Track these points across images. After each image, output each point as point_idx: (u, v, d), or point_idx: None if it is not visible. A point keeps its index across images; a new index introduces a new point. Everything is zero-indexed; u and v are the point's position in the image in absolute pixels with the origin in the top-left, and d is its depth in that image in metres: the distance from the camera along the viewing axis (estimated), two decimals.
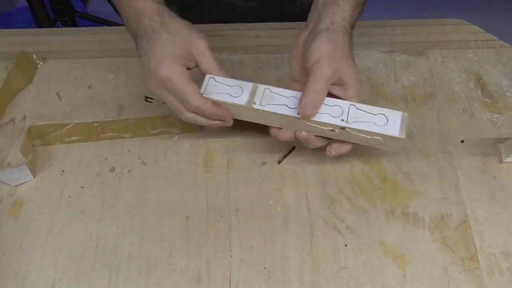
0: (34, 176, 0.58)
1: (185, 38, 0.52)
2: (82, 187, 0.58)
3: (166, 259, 0.53)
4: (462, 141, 0.62)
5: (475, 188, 0.58)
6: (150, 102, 0.65)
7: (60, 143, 0.61)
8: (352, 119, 0.50)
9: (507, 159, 0.60)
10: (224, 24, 0.74)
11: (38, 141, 0.61)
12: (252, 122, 0.55)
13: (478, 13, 1.86)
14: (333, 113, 0.50)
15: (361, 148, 0.57)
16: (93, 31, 0.74)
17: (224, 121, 0.55)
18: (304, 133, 0.53)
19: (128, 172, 0.59)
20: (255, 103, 0.52)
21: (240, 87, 0.53)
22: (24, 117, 0.64)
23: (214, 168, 0.60)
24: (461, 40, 0.73)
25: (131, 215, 0.56)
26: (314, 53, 0.51)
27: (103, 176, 0.59)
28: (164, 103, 0.55)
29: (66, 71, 0.68)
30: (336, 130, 0.51)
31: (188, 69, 0.53)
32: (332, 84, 0.51)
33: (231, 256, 0.53)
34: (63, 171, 0.59)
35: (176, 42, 0.51)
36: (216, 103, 0.53)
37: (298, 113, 0.50)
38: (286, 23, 0.74)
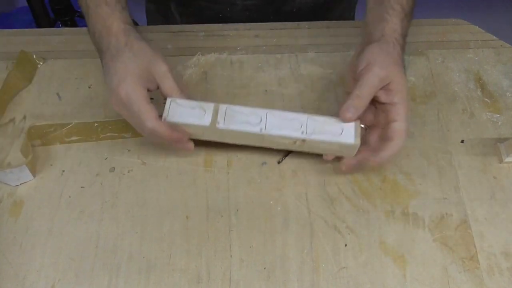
0: (34, 176, 0.58)
1: (147, 59, 0.52)
2: (82, 187, 0.58)
3: (166, 259, 0.53)
4: (462, 141, 0.62)
5: (475, 188, 0.58)
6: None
7: (60, 143, 0.61)
8: (311, 130, 0.53)
9: (507, 159, 0.60)
10: (224, 24, 0.74)
11: (38, 141, 0.61)
12: None
13: (478, 13, 1.86)
14: (293, 126, 0.54)
15: None
16: None
17: (182, 144, 0.56)
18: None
19: (128, 172, 0.59)
20: (218, 123, 0.53)
21: (202, 108, 0.54)
22: (24, 117, 0.64)
23: (214, 168, 0.60)
24: (461, 40, 0.73)
25: (131, 215, 0.56)
26: (364, 59, 0.53)
27: (103, 176, 0.59)
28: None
29: (66, 71, 0.68)
30: (296, 142, 0.54)
31: (149, 90, 0.53)
32: (381, 89, 0.53)
33: (231, 256, 0.53)
34: (63, 171, 0.59)
35: (138, 62, 0.52)
36: (174, 127, 0.53)
37: (260, 130, 0.54)
38: (286, 23, 0.74)
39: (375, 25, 0.56)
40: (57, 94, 0.66)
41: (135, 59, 0.52)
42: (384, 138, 0.53)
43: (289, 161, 0.60)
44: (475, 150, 0.61)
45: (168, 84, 0.54)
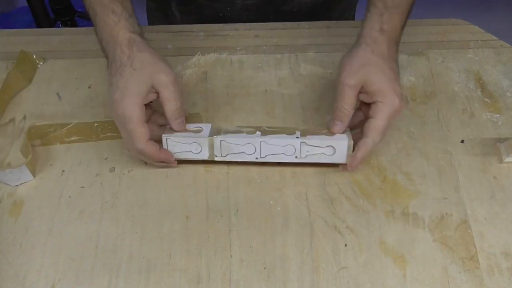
0: (34, 176, 0.58)
1: (148, 74, 0.53)
2: (82, 187, 0.58)
3: (166, 259, 0.53)
4: (462, 141, 0.62)
5: (475, 188, 0.58)
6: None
7: (60, 143, 0.61)
8: (304, 154, 0.56)
9: (507, 159, 0.60)
10: (224, 24, 0.74)
11: (38, 141, 0.61)
12: None
13: (478, 13, 1.86)
14: (287, 152, 0.56)
15: None
16: (93, 31, 0.74)
17: (167, 164, 0.58)
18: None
19: (128, 172, 0.59)
20: (216, 156, 0.57)
21: (198, 144, 0.56)
22: (24, 117, 0.64)
23: (214, 168, 0.60)
24: (461, 40, 0.73)
25: (131, 215, 0.56)
26: (339, 68, 0.55)
27: (103, 176, 0.59)
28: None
29: (66, 71, 0.68)
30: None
31: (151, 103, 0.55)
32: (361, 93, 0.54)
33: (231, 256, 0.53)
34: (63, 171, 0.59)
35: (139, 78, 0.52)
36: (160, 149, 0.56)
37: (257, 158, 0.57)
38: (286, 23, 0.74)
39: (360, 28, 0.56)
40: (57, 94, 0.66)
41: (136, 75, 0.52)
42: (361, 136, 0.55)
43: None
44: (475, 150, 0.61)
45: (168, 107, 0.54)
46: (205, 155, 0.57)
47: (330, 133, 0.56)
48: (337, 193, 0.58)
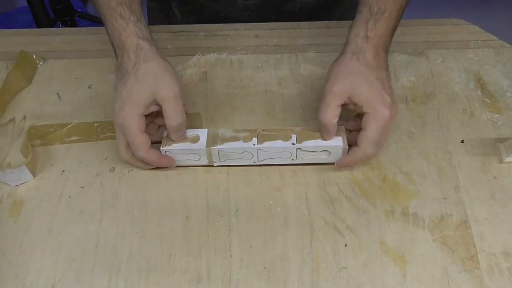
0: (34, 176, 0.58)
1: (150, 87, 0.52)
2: (82, 187, 0.58)
3: (166, 259, 0.53)
4: (462, 141, 0.62)
5: (475, 188, 0.58)
6: None
7: (60, 143, 0.61)
8: (300, 157, 0.58)
9: (507, 159, 0.60)
10: (224, 24, 0.74)
11: (38, 141, 0.61)
12: None
13: (478, 13, 1.86)
14: (283, 156, 0.57)
15: None
16: (93, 31, 0.74)
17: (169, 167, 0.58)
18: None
19: (128, 172, 0.59)
20: (215, 162, 0.59)
21: (197, 154, 0.57)
22: (24, 117, 0.64)
23: (214, 168, 0.60)
24: (461, 40, 0.73)
25: (131, 215, 0.56)
26: (326, 78, 0.55)
27: (103, 176, 0.59)
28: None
29: (66, 71, 0.69)
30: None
31: (152, 114, 0.55)
32: (349, 104, 0.54)
33: (231, 256, 0.53)
34: (63, 171, 0.59)
35: (140, 90, 0.52)
36: (161, 155, 0.57)
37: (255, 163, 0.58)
38: (286, 23, 0.74)
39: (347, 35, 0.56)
40: (57, 94, 0.66)
41: (138, 87, 0.52)
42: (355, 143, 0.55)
43: None
44: (475, 150, 0.61)
45: (169, 123, 0.53)
46: (204, 162, 0.58)
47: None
48: (337, 193, 0.58)
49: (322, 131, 0.56)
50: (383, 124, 0.53)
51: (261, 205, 0.57)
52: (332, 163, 0.58)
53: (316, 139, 0.56)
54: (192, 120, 0.60)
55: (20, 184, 0.58)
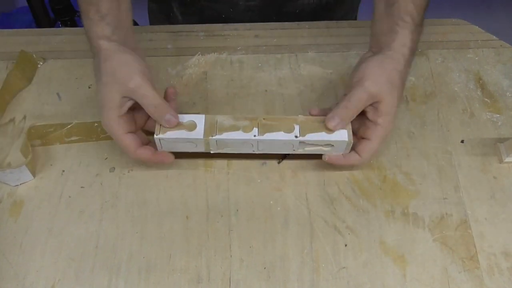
0: (34, 176, 0.58)
1: (115, 85, 0.51)
2: (82, 187, 0.58)
3: (166, 259, 0.53)
4: (462, 141, 0.62)
5: (475, 188, 0.58)
6: None
7: (60, 143, 0.61)
8: (301, 149, 0.56)
9: (507, 159, 0.60)
10: (224, 24, 0.74)
11: (38, 141, 0.61)
12: None
13: (478, 13, 1.86)
14: (286, 147, 0.56)
15: None
16: None
17: (165, 163, 0.57)
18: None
19: (128, 172, 0.59)
20: (211, 150, 0.56)
21: (194, 143, 0.55)
22: (24, 117, 0.64)
23: (214, 168, 0.60)
24: (461, 40, 0.73)
25: (131, 215, 0.56)
26: (360, 71, 0.53)
27: (103, 176, 0.59)
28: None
29: (66, 71, 0.68)
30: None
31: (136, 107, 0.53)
32: (370, 105, 0.53)
33: (231, 256, 0.53)
34: (63, 171, 0.59)
35: (108, 92, 0.51)
36: (155, 152, 0.55)
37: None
38: (286, 23, 0.74)
39: (384, 37, 0.54)
40: (57, 94, 0.66)
41: (106, 89, 0.51)
42: (354, 148, 0.55)
43: (289, 161, 0.60)
44: (475, 150, 0.61)
45: (147, 109, 0.52)
46: (201, 149, 0.56)
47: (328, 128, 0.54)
48: (337, 193, 0.58)
49: (334, 118, 0.53)
50: (386, 136, 0.54)
51: (261, 205, 0.57)
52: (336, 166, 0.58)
53: (320, 131, 0.54)
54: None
55: (20, 184, 0.58)
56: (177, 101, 0.59)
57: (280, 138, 0.54)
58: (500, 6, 1.93)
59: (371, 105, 0.53)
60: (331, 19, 0.78)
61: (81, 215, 0.56)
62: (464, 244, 0.54)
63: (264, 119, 0.55)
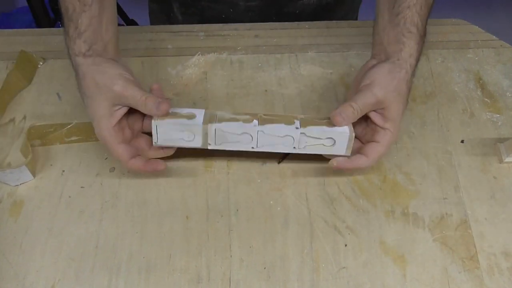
0: (34, 176, 0.58)
1: (99, 97, 0.51)
2: (82, 187, 0.58)
3: (166, 259, 0.53)
4: (462, 141, 0.62)
5: (475, 188, 0.58)
6: None
7: (60, 143, 0.61)
8: (303, 144, 0.55)
9: (507, 159, 0.60)
10: (224, 24, 0.74)
11: (38, 141, 0.61)
12: None
13: (478, 13, 1.86)
14: (285, 143, 0.54)
15: None
16: None
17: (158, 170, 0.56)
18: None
19: (128, 172, 0.59)
20: (210, 144, 0.54)
21: (191, 131, 0.53)
22: (24, 117, 0.64)
23: (214, 168, 0.60)
24: (461, 40, 0.73)
25: (131, 215, 0.56)
26: (369, 76, 0.54)
27: (103, 176, 0.59)
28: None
29: (66, 71, 0.68)
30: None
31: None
32: (375, 111, 0.54)
33: (231, 256, 0.53)
34: (63, 171, 0.59)
35: (95, 105, 0.52)
36: (146, 162, 0.54)
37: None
38: (286, 23, 0.74)
39: (391, 47, 0.55)
40: (57, 94, 0.66)
41: (92, 103, 0.52)
42: (360, 151, 0.55)
43: (289, 161, 0.60)
44: (475, 150, 0.61)
45: (137, 105, 0.52)
46: (198, 143, 0.54)
47: (330, 124, 0.54)
48: (337, 193, 0.58)
49: (340, 114, 0.53)
50: (393, 143, 0.55)
51: (261, 205, 0.57)
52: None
53: (322, 126, 0.54)
54: None
55: (20, 184, 0.58)
56: (164, 96, 0.58)
57: (281, 129, 0.54)
58: (500, 6, 1.93)
59: (375, 110, 0.54)
60: (331, 19, 0.78)
61: (81, 215, 0.56)
62: (464, 244, 0.54)
63: (264, 115, 0.55)
